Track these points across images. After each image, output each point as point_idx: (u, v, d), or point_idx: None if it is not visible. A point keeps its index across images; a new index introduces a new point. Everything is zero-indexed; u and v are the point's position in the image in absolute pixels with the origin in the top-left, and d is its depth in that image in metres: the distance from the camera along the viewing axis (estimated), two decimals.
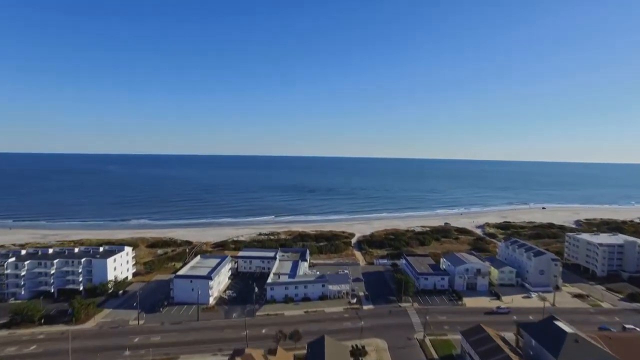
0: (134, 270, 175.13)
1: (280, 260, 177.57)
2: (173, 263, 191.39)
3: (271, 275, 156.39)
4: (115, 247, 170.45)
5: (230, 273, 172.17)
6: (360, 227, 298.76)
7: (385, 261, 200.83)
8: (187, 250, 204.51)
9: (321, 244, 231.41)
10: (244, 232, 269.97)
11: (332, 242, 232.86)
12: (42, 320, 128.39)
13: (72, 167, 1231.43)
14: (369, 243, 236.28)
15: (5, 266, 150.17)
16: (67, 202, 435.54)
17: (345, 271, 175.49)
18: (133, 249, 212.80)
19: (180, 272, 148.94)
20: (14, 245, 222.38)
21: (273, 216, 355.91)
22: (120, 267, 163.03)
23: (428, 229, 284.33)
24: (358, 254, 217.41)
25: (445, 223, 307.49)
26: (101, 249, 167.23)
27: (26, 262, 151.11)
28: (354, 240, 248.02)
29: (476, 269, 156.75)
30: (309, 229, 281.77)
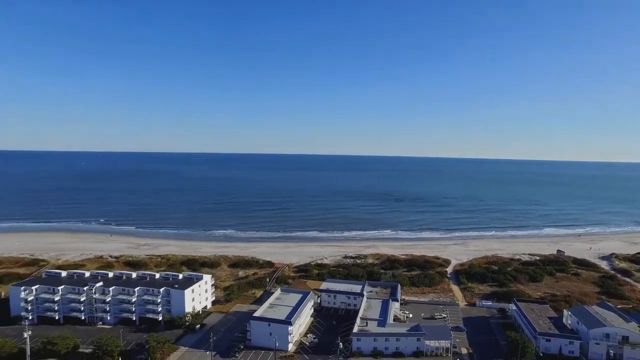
0: (213, 298, 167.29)
1: (368, 298, 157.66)
2: (254, 291, 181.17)
3: (358, 320, 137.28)
4: (194, 275, 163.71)
5: (312, 310, 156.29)
6: (455, 249, 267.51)
7: (490, 303, 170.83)
8: (268, 279, 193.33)
9: (413, 273, 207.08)
10: (328, 252, 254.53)
11: (425, 272, 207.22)
12: (120, 358, 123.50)
13: (159, 168, 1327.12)
14: (467, 275, 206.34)
15: (94, 291, 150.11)
16: (156, 207, 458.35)
17: (446, 321, 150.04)
18: (214, 268, 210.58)
19: (257, 313, 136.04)
20: (110, 256, 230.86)
21: (359, 231, 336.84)
22: (199, 297, 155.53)
23: (537, 257, 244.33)
24: (456, 289, 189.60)
25: (558, 251, 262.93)
26: (180, 276, 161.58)
27: (111, 288, 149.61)
28: (449, 270, 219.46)
29: (622, 335, 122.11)
30: (399, 251, 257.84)
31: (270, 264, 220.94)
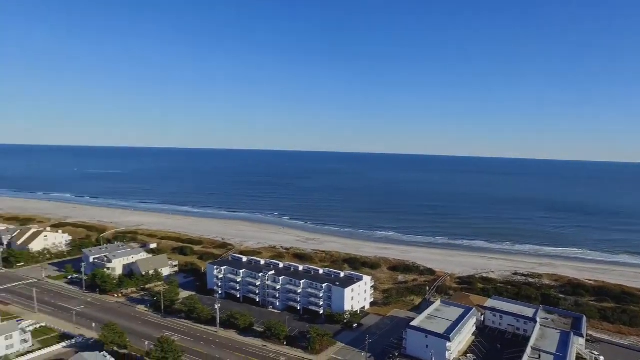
0: (372, 299, 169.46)
1: (542, 326, 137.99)
2: (412, 297, 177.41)
3: (528, 350, 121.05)
4: (355, 274, 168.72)
5: (474, 328, 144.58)
6: None
7: None
8: (428, 287, 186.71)
9: (605, 305, 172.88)
10: (495, 265, 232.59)
11: (623, 306, 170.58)
12: (285, 342, 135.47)
13: (317, 168, 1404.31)
14: None
15: (267, 278, 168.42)
16: (324, 204, 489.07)
17: None
18: (374, 269, 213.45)
19: (415, 322, 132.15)
20: (282, 247, 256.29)
21: (533, 246, 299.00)
22: (358, 296, 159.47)
23: None
24: None
25: None
26: (342, 274, 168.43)
27: (281, 278, 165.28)
28: None
29: None
30: (584, 274, 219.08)
31: (431, 271, 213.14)
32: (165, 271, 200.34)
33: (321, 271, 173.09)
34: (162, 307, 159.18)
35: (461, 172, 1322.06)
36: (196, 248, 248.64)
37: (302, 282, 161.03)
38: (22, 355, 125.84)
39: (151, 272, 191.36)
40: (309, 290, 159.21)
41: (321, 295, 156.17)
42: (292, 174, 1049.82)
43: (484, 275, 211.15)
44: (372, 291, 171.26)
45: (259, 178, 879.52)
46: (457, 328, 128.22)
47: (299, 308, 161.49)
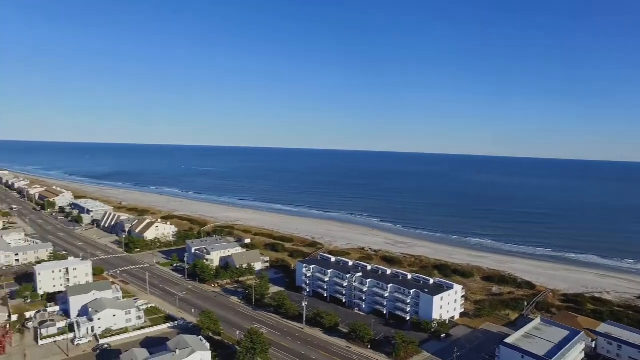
0: (462, 310, 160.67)
1: None
2: (507, 312, 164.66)
3: None
4: (444, 282, 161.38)
5: (582, 355, 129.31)
6: None
7: None
8: (526, 302, 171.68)
9: None
10: (610, 285, 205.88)
11: None
12: (369, 346, 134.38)
13: (397, 169, 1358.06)
14: None
15: (354, 279, 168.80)
16: (414, 207, 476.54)
17: None
18: (466, 278, 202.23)
19: (510, 340, 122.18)
20: (370, 249, 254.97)
21: None
22: (447, 305, 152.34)
23: None
24: None
25: None
26: (431, 280, 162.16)
27: (368, 280, 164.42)
28: None
29: None
30: None
31: (530, 285, 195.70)
32: (258, 266, 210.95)
33: (409, 276, 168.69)
34: (253, 300, 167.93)
35: (556, 177, 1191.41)
36: (287, 245, 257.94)
37: (389, 286, 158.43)
38: (137, 329, 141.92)
39: (245, 265, 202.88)
40: (396, 295, 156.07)
41: (408, 301, 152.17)
42: (376, 174, 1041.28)
43: (596, 295, 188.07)
44: (463, 301, 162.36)
45: (347, 179, 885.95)
46: (560, 352, 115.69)
47: (385, 312, 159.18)
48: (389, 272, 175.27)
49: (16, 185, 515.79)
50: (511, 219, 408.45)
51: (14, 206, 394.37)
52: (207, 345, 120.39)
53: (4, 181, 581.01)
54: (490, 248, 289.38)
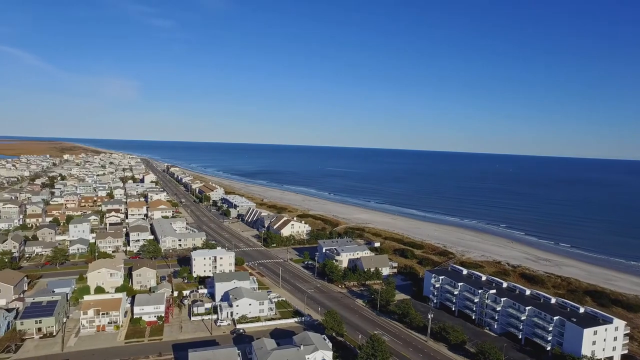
0: (625, 351, 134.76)
1: None
2: None
3: None
4: (600, 314, 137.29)
5: None
6: None
7: None
8: None
9: None
10: None
11: None
12: None
13: (569, 176, 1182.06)
14: None
15: (486, 296, 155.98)
16: (568, 220, 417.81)
17: None
18: (631, 312, 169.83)
19: None
20: (507, 264, 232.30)
21: None
22: (603, 342, 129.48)
23: None
24: None
25: None
26: (582, 309, 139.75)
27: (503, 299, 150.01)
28: None
29: None
30: None
31: None
32: (385, 271, 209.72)
33: (553, 300, 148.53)
34: (378, 306, 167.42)
35: None
36: (416, 252, 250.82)
37: (527, 308, 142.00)
38: (268, 320, 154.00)
39: (372, 269, 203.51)
40: (535, 319, 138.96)
41: (550, 329, 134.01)
42: (523, 181, 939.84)
43: None
44: (627, 340, 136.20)
45: (486, 184, 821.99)
46: None
47: (520, 337, 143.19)
48: (527, 292, 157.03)
49: (183, 180, 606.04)
50: None
51: (183, 200, 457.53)
52: (330, 345, 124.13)
53: (175, 176, 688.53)
54: None
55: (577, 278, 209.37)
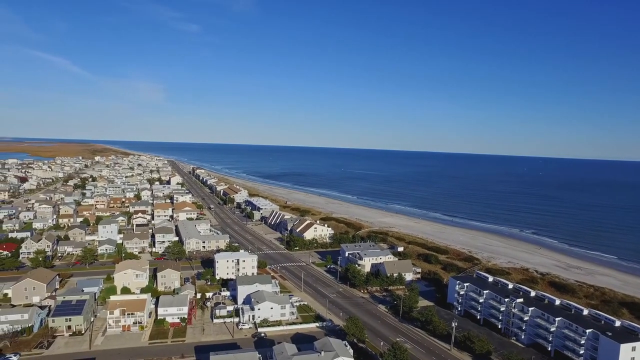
0: None
1: None
2: None
3: None
4: (638, 328, 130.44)
5: None
6: None
7: None
8: None
9: None
10: None
11: None
12: None
13: (599, 179, 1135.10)
14: None
15: (513, 305, 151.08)
16: (600, 226, 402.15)
17: None
18: None
19: None
20: (536, 271, 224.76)
21: None
22: None
23: None
24: None
25: None
26: (617, 322, 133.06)
27: (531, 309, 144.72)
28: None
29: None
30: None
31: None
32: (408, 276, 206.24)
33: (585, 311, 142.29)
34: (401, 312, 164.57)
35: None
36: (441, 257, 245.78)
37: (557, 319, 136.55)
38: (289, 324, 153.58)
39: (395, 275, 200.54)
40: (566, 331, 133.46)
41: (582, 342, 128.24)
42: (552, 184, 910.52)
43: None
44: None
45: (514, 187, 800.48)
46: None
47: (549, 349, 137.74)
48: (557, 302, 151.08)
49: (208, 182, 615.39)
50: None
51: (212, 206, 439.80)
52: (351, 351, 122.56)
53: (200, 178, 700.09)
54: None
55: (612, 288, 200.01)
